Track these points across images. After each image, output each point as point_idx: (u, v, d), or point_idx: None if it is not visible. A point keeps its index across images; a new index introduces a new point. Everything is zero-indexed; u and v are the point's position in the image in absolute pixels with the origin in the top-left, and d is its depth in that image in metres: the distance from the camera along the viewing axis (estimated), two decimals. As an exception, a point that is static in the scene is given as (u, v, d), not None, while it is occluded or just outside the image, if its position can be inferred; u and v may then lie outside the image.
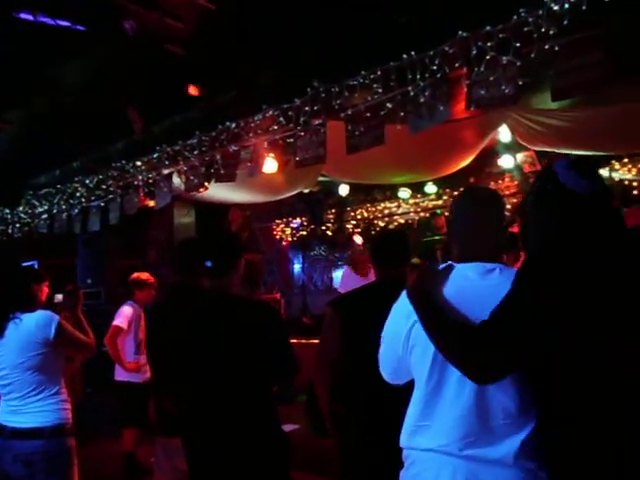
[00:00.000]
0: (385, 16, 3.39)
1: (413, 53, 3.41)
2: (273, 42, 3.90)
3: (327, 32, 3.77)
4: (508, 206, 7.84)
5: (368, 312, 2.12)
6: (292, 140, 4.22)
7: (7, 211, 6.97)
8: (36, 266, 9.65)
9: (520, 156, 7.04)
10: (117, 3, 3.59)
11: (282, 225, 10.25)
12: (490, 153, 6.90)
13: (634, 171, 6.96)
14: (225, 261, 2.54)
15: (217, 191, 5.88)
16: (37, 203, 6.74)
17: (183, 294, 2.80)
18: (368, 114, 3.72)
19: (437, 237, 6.96)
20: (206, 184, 5.14)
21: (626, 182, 7.03)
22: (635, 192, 7.04)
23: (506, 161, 7.07)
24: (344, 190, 8.12)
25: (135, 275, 5.24)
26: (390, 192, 8.53)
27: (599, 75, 3.03)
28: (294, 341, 7.09)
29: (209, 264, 2.50)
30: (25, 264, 9.72)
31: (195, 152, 4.77)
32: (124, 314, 5.06)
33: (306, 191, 7.45)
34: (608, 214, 1.58)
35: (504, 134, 5.74)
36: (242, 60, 3.95)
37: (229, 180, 4.89)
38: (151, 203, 6.04)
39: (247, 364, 2.33)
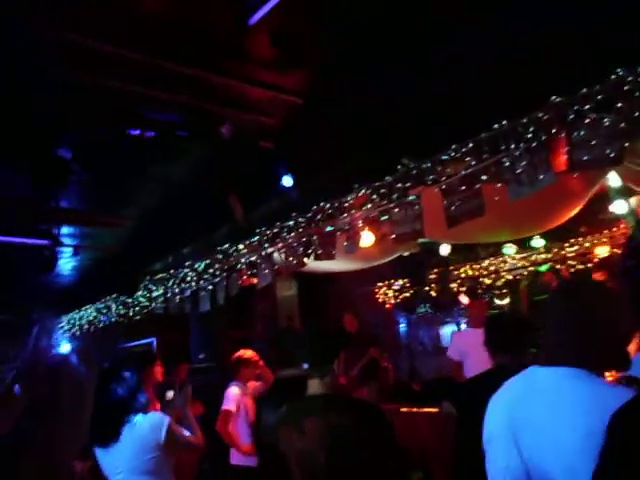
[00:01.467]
0: (471, 89, 3.35)
1: (505, 122, 3.31)
2: (358, 127, 4.00)
3: (414, 109, 3.79)
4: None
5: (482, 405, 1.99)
6: (387, 217, 4.20)
7: (127, 297, 7.53)
8: (155, 343, 10.26)
9: (634, 200, 6.52)
10: (213, 110, 3.88)
11: (384, 288, 10.15)
12: (600, 199, 6.45)
13: None
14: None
15: (317, 263, 5.97)
16: (153, 287, 7.21)
17: None
18: (463, 187, 3.64)
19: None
20: (305, 260, 5.23)
21: None
22: None
23: (619, 206, 6.57)
24: (445, 250, 7.93)
25: (240, 353, 5.27)
26: (494, 248, 8.20)
27: None
28: (404, 410, 6.87)
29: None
30: (145, 341, 10.39)
31: (292, 233, 4.90)
32: (231, 396, 5.03)
33: (406, 254, 7.37)
34: None
35: (614, 179, 5.37)
36: (330, 146, 4.07)
37: (328, 258, 4.94)
38: (254, 280, 6.25)
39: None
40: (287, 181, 4.74)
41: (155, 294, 7.15)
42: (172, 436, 2.80)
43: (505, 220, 6.08)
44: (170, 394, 3.97)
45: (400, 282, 9.81)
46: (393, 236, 4.21)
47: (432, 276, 9.42)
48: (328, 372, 2.49)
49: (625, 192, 6.20)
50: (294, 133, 4.34)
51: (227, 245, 5.68)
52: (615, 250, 7.19)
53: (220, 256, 5.85)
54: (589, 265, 7.34)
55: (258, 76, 3.76)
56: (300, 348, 2.84)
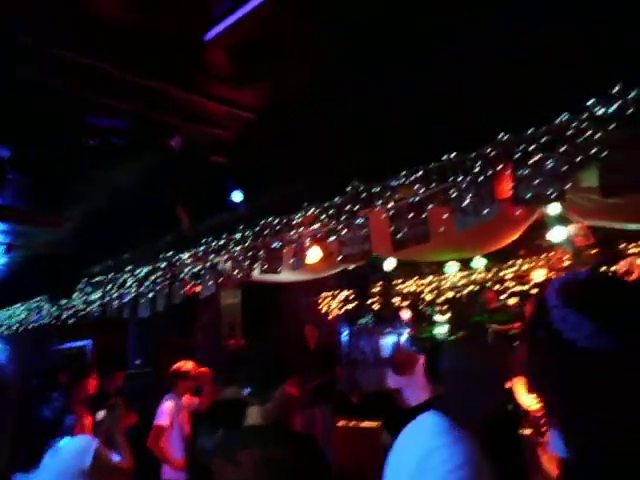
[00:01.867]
0: (423, 120, 3.40)
1: (453, 155, 3.38)
2: (310, 145, 3.99)
3: (367, 132, 3.81)
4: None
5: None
6: (335, 237, 4.21)
7: (61, 298, 7.22)
8: (90, 346, 9.89)
9: (572, 228, 6.81)
10: (166, 120, 3.78)
11: (329, 298, 10.18)
12: (539, 225, 6.71)
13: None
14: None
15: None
16: (90, 290, 6.96)
17: None
18: (412, 213, 3.69)
19: (486, 317, 6.74)
20: (251, 273, 5.18)
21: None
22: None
23: (557, 234, 6.84)
24: (390, 265, 8.04)
25: (178, 365, 5.09)
26: (437, 266, 8.38)
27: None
28: (341, 423, 6.87)
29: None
30: (79, 343, 9.99)
31: (239, 247, 4.84)
32: (165, 410, 4.85)
33: (351, 267, 7.42)
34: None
35: (553, 207, 5.59)
36: (282, 163, 4.04)
37: (273, 273, 4.91)
38: (198, 289, 6.13)
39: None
40: (237, 196, 4.68)
41: (92, 297, 6.90)
42: (99, 462, 2.64)
43: (450, 242, 6.22)
44: (100, 414, 3.80)
45: (345, 293, 9.87)
46: (340, 257, 4.23)
47: (376, 289, 9.54)
48: (269, 398, 2.44)
49: (563, 220, 6.48)
50: (247, 148, 4.29)
51: (171, 253, 5.55)
52: (551, 275, 7.49)
53: (163, 264, 5.71)
54: (525, 287, 7.61)
55: (214, 90, 3.69)
56: (243, 367, 2.74)
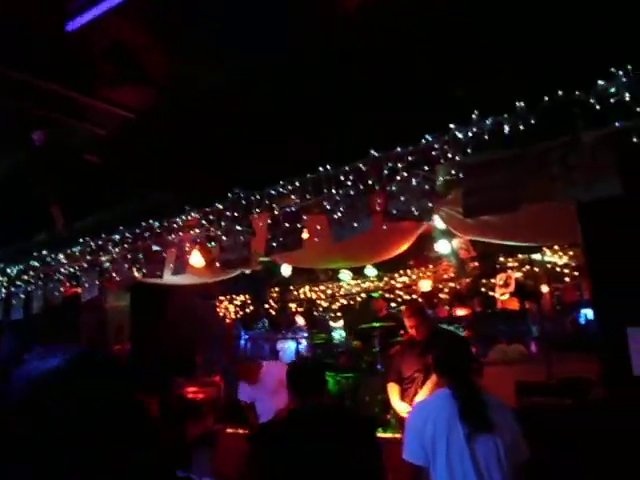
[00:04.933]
0: (299, 131, 3.44)
1: (329, 167, 3.44)
2: (192, 147, 3.91)
3: (246, 139, 3.80)
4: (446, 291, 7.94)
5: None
6: (215, 243, 4.16)
7: None
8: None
9: (455, 242, 7.18)
10: (41, 116, 3.55)
11: (226, 302, 10.06)
12: (429, 238, 7.01)
13: (565, 258, 7.18)
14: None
15: None
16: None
17: None
18: (287, 224, 3.72)
19: (375, 323, 6.93)
20: (133, 275, 4.99)
21: (557, 268, 7.24)
22: (567, 279, 7.26)
23: (442, 246, 7.18)
24: (287, 270, 8.06)
25: None
26: (332, 272, 8.52)
27: (504, 198, 3.13)
28: (230, 431, 6.76)
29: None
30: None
31: (117, 248, 4.64)
32: None
33: (248, 271, 7.36)
34: None
35: (439, 221, 5.85)
36: (164, 165, 3.93)
37: (154, 277, 4.76)
38: (79, 290, 5.82)
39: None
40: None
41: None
42: None
43: (341, 250, 6.36)
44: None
45: (242, 298, 9.79)
46: (218, 263, 4.18)
47: (274, 294, 9.55)
48: None
49: (448, 234, 6.82)
50: (127, 149, 4.13)
51: (45, 252, 5.22)
52: (437, 284, 7.85)
53: (37, 263, 5.36)
54: (414, 296, 7.92)
55: (93, 88, 3.52)
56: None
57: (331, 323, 9.00)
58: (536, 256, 7.28)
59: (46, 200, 4.81)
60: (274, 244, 3.89)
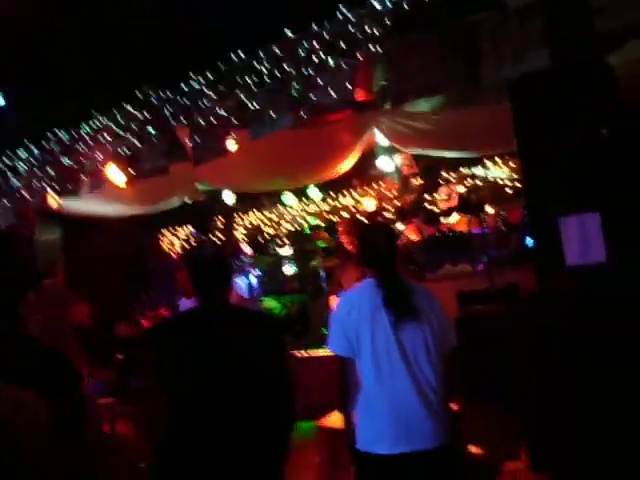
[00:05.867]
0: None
1: (242, 54, 3.13)
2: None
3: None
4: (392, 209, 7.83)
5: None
6: (130, 152, 3.83)
7: None
8: None
9: (397, 158, 6.99)
10: None
11: (169, 235, 9.73)
12: (371, 156, 6.80)
13: (506, 170, 7.11)
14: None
15: (87, 205, 5.34)
16: None
17: None
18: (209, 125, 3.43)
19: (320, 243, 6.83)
20: (51, 199, 4.63)
21: (500, 181, 7.18)
22: (509, 191, 7.21)
23: (385, 163, 6.99)
24: (230, 198, 7.76)
25: None
26: (277, 198, 8.27)
27: (434, 78, 2.92)
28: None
29: None
30: None
31: (25, 166, 4.25)
32: None
33: (189, 201, 7.05)
34: None
35: (382, 137, 5.63)
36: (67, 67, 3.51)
37: (72, 196, 4.43)
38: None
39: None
40: (-2, 99, 4.04)
41: None
42: None
43: (280, 168, 6.10)
44: None
45: (185, 230, 9.49)
46: (138, 170, 3.88)
47: (219, 224, 9.27)
48: None
49: (390, 150, 6.62)
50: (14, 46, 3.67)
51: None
52: (381, 204, 7.72)
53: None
54: (358, 217, 7.78)
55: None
56: None
57: (278, 249, 8.84)
58: (479, 172, 7.20)
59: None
60: (200, 152, 3.63)
